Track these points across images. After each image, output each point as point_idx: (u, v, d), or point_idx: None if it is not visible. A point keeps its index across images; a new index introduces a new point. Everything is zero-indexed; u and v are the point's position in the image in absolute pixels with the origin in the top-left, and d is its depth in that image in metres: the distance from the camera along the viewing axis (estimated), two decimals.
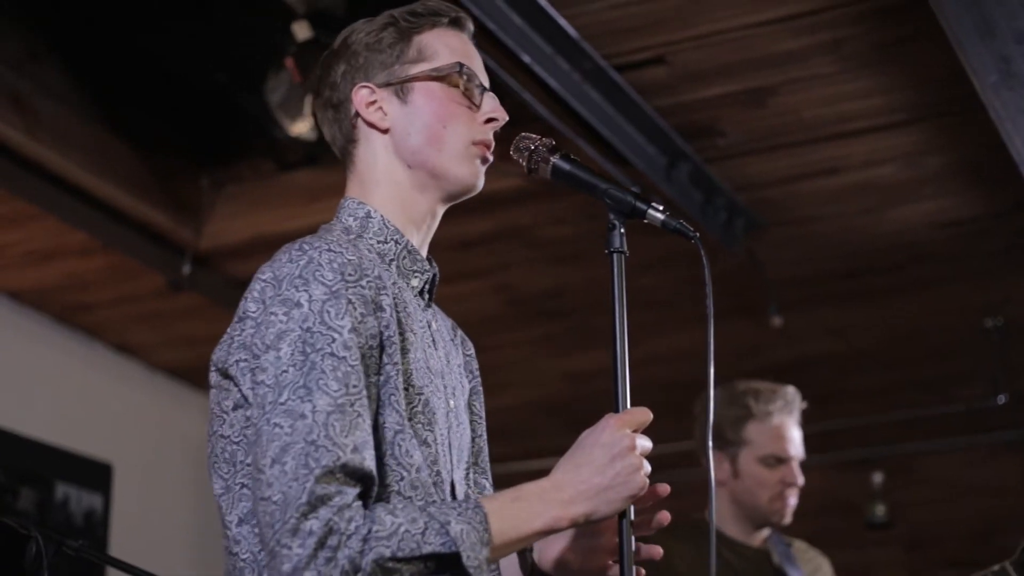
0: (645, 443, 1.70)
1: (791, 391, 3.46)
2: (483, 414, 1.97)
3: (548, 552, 1.89)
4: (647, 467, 1.69)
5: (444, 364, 1.86)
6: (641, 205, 1.81)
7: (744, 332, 5.30)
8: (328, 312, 1.65)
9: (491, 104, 1.90)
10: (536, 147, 1.87)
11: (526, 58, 3.60)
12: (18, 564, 2.35)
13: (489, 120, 1.89)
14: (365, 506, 1.59)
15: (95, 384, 5.53)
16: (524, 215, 4.66)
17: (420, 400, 1.75)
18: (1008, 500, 6.13)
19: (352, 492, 1.58)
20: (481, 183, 1.91)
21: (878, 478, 5.94)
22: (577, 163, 1.87)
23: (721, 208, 4.54)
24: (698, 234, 1.80)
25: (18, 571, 2.35)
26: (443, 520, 1.59)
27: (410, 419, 1.73)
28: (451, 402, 1.84)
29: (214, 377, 1.76)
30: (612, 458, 1.67)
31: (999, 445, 6.19)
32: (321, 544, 1.53)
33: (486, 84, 1.91)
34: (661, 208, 1.81)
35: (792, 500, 3.39)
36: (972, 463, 6.27)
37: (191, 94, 4.36)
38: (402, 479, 1.69)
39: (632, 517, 1.73)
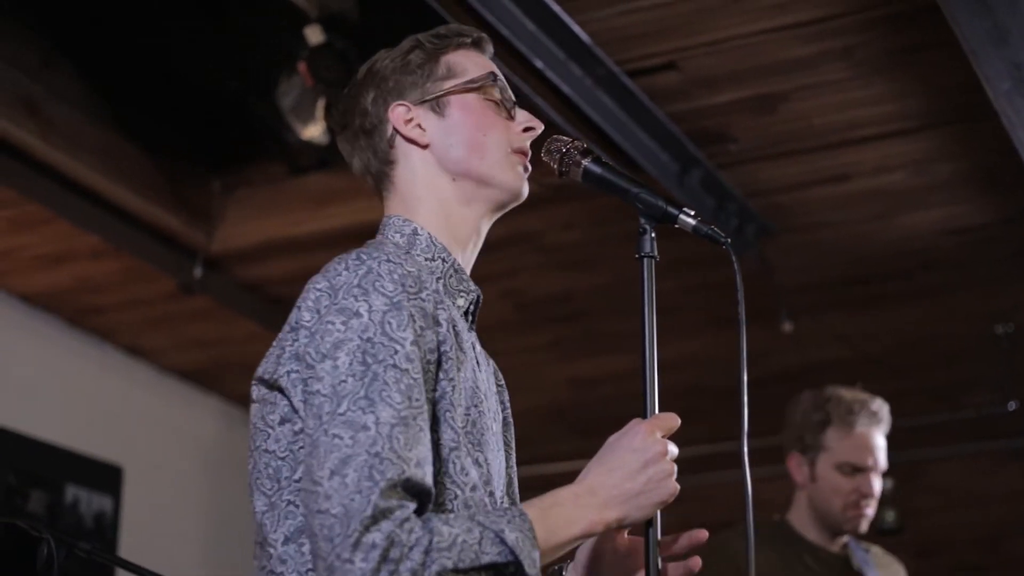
0: (674, 449, 1.70)
1: (878, 403, 3.45)
2: (514, 445, 1.92)
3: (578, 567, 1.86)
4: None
5: (488, 387, 1.83)
6: (672, 210, 1.81)
7: (753, 337, 5.26)
8: (389, 323, 1.61)
9: (526, 114, 1.91)
10: (568, 149, 1.87)
11: (539, 63, 3.60)
12: (30, 566, 2.35)
13: (527, 129, 1.89)
14: None
15: (106, 387, 5.53)
16: (533, 220, 4.66)
17: (469, 420, 1.72)
18: (1018, 507, 6.11)
19: (411, 507, 1.54)
20: (526, 190, 1.90)
21: (888, 484, 5.91)
22: (609, 166, 1.86)
23: (732, 214, 4.54)
24: (729, 239, 1.80)
25: (30, 573, 2.35)
26: (496, 529, 1.57)
27: (463, 437, 1.70)
28: (494, 425, 1.81)
29: (258, 391, 1.72)
30: (644, 464, 1.67)
31: (1009, 452, 6.17)
32: (384, 557, 1.50)
33: (514, 99, 1.92)
34: (692, 213, 1.81)
35: (868, 510, 3.39)
36: (982, 470, 6.25)
37: (203, 98, 4.37)
38: (456, 498, 1.66)
39: (658, 523, 1.71)
